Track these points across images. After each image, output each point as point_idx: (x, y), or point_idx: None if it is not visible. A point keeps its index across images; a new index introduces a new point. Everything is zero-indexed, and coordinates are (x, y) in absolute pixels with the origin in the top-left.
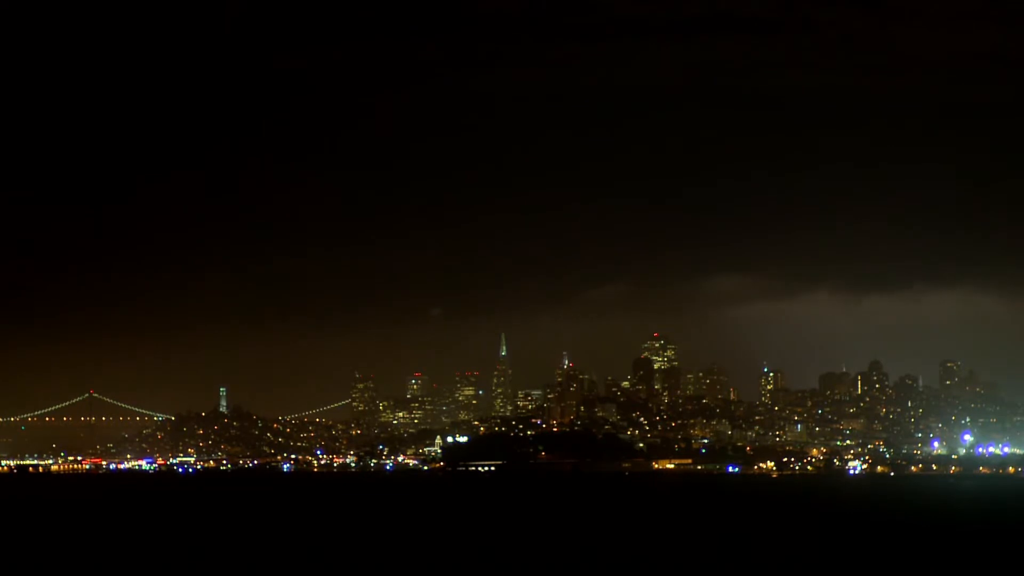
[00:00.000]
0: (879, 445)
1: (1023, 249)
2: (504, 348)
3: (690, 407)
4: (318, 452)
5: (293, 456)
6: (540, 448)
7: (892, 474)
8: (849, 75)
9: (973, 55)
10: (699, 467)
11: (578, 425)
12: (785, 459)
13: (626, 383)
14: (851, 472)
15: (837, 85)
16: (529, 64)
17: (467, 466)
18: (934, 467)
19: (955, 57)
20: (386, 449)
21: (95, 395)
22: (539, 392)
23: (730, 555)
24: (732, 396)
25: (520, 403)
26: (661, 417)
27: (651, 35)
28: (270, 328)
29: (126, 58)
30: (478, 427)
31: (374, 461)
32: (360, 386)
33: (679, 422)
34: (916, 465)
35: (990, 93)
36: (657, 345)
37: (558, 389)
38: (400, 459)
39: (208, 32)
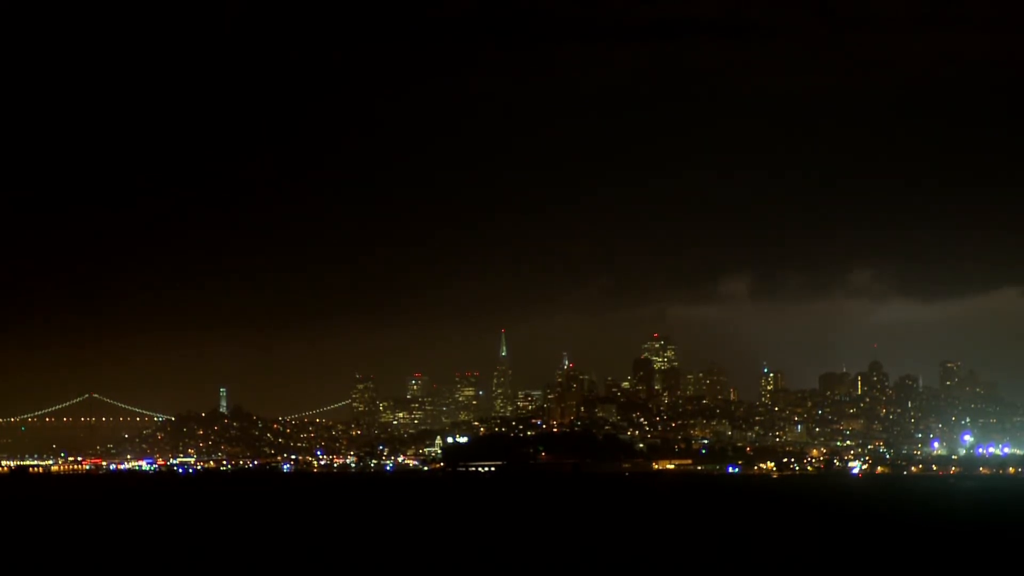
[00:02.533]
0: (879, 445)
1: (1023, 248)
2: (504, 348)
3: (690, 407)
4: (318, 452)
5: (293, 456)
6: (540, 448)
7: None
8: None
9: (924, 58)
10: (699, 467)
11: (578, 425)
12: (785, 459)
13: (626, 383)
14: (852, 472)
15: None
16: (519, 67)
17: (467, 466)
18: (934, 467)
19: (906, 60)
20: (386, 449)
21: (95, 396)
22: (539, 392)
23: (730, 555)
24: (732, 396)
25: (520, 403)
26: (661, 417)
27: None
28: (270, 328)
29: (128, 60)
30: (478, 427)
31: (374, 461)
32: (360, 386)
33: (679, 422)
34: (916, 465)
35: (946, 94)
36: (657, 345)
37: (558, 389)
38: (400, 459)
39: (207, 33)
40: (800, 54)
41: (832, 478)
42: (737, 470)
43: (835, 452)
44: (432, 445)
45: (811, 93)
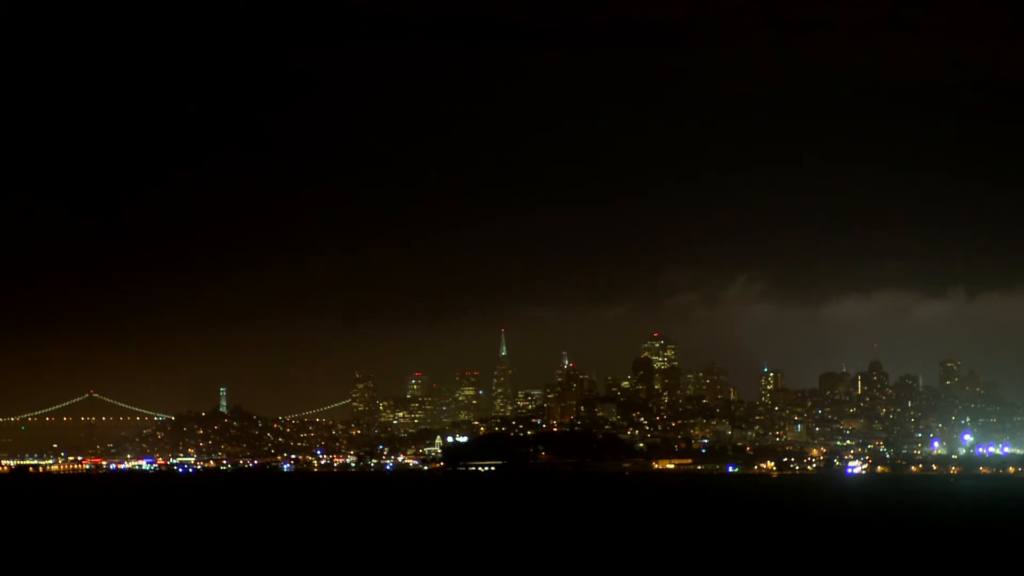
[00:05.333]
0: (879, 445)
1: (1022, 249)
2: (504, 348)
3: (690, 407)
4: (318, 452)
5: (293, 456)
6: (540, 448)
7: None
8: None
9: (873, 65)
10: (699, 467)
11: (578, 425)
12: (785, 459)
13: (626, 383)
14: (849, 472)
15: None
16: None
17: (467, 466)
18: (934, 467)
19: (856, 67)
20: (386, 449)
21: (95, 395)
22: (539, 392)
23: (730, 555)
24: (732, 396)
25: (520, 403)
26: (661, 417)
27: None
28: (270, 328)
29: (127, 61)
30: (478, 427)
31: (374, 461)
32: (360, 386)
33: (679, 422)
34: (916, 465)
35: (900, 99)
36: (657, 345)
37: (558, 389)
38: (400, 459)
39: (203, 34)
40: (749, 59)
41: (832, 478)
42: (737, 470)
43: (835, 452)
44: (432, 445)
45: (787, 93)
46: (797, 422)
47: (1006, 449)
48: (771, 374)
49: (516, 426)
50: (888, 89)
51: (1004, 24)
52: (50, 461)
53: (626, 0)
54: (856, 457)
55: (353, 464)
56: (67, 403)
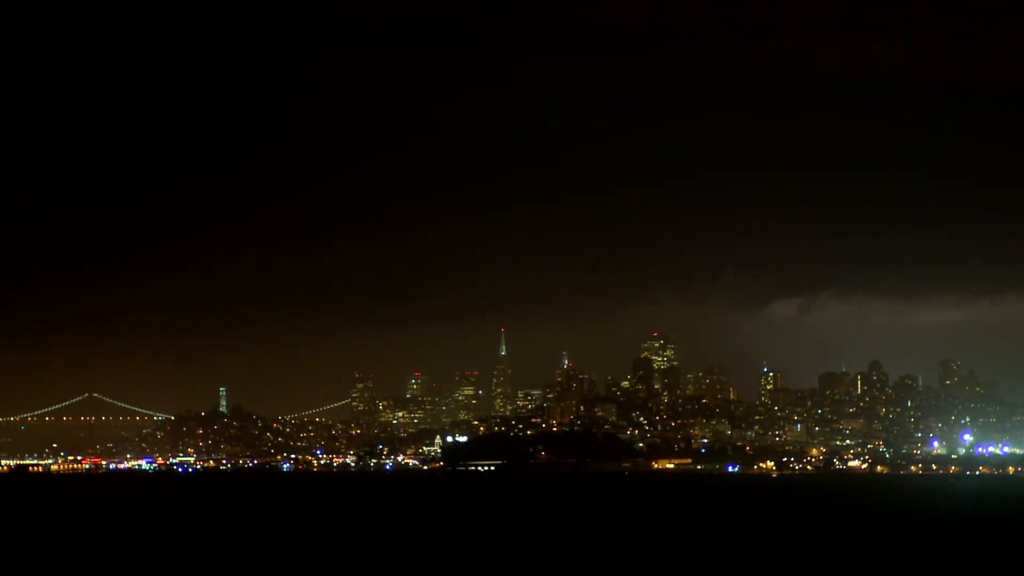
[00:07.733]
0: (879, 445)
1: (1023, 250)
2: (504, 348)
3: (690, 407)
4: (318, 452)
5: (293, 456)
6: (540, 448)
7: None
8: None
9: (834, 69)
10: (699, 467)
11: (578, 425)
12: (785, 459)
13: (626, 383)
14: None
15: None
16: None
17: (467, 466)
18: (934, 467)
19: (818, 70)
20: (386, 449)
21: (95, 395)
22: (539, 392)
23: (730, 555)
24: (732, 396)
25: (520, 403)
26: (661, 417)
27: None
28: (270, 328)
29: (131, 62)
30: (478, 427)
31: (374, 461)
32: (360, 386)
33: (679, 422)
34: (916, 465)
35: (868, 102)
36: (657, 345)
37: (558, 389)
38: (400, 459)
39: (204, 34)
40: (709, 63)
41: (832, 477)
42: (737, 469)
43: (835, 452)
44: (432, 444)
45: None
46: (797, 422)
47: (1006, 449)
48: (771, 374)
49: (516, 426)
50: (853, 91)
51: (960, 27)
52: (50, 461)
53: (582, 4)
54: (856, 457)
55: (353, 464)
56: (67, 403)
